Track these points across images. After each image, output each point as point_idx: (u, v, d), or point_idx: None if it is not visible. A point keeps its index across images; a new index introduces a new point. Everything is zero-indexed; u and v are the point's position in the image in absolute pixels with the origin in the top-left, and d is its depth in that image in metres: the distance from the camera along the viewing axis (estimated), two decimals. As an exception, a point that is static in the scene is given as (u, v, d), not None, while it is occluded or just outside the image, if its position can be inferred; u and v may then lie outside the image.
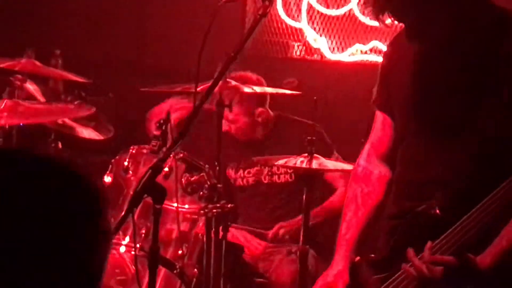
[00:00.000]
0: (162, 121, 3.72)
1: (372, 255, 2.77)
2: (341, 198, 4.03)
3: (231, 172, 4.54)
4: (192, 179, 3.71)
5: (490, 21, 2.48)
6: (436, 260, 2.36)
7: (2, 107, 3.91)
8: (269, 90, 4.27)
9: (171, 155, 3.35)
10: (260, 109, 4.42)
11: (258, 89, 4.16)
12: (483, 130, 2.48)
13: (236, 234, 4.36)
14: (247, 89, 4.04)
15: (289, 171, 4.43)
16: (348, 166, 3.69)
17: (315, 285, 2.81)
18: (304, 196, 3.79)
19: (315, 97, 4.12)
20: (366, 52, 5.43)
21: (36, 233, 1.29)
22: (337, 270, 2.74)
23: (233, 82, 3.95)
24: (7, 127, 4.28)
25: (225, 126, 4.33)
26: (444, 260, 2.36)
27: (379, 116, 2.76)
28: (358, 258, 2.73)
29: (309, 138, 3.84)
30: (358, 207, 2.77)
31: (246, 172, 4.54)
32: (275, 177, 4.50)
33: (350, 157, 3.69)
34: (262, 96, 4.43)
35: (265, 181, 4.53)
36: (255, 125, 4.44)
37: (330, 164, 3.93)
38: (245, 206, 4.55)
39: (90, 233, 1.34)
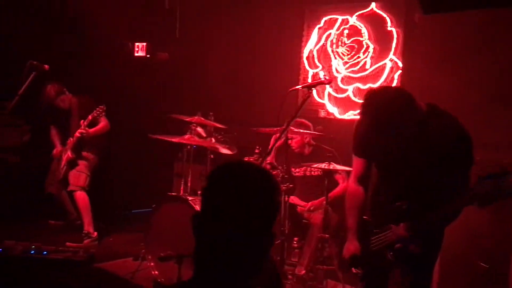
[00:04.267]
0: (259, 148, 4.76)
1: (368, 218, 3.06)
2: (340, 189, 5.00)
3: (293, 169, 5.22)
4: (273, 173, 4.44)
5: (417, 119, 2.69)
6: (407, 230, 2.74)
7: (186, 138, 4.94)
8: (310, 131, 5.09)
9: (264, 161, 4.15)
10: (307, 139, 5.22)
11: (306, 131, 4.95)
12: (426, 177, 2.75)
13: (296, 199, 5.21)
14: (301, 130, 4.85)
15: (318, 170, 5.12)
16: (348, 168, 4.21)
17: (346, 251, 3.04)
18: (326, 183, 4.72)
19: (331, 135, 5.41)
20: (356, 115, 5.67)
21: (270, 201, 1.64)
22: (352, 244, 3.02)
23: (295, 129, 4.69)
24: (188, 147, 5.28)
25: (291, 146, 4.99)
26: (408, 233, 2.75)
27: (356, 157, 3.10)
28: (364, 217, 3.05)
29: (329, 154, 4.85)
30: (353, 208, 3.07)
31: (298, 169, 5.25)
32: (312, 172, 5.23)
33: (347, 163, 4.24)
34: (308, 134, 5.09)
35: (308, 174, 5.24)
36: (304, 146, 5.19)
37: (339, 167, 4.70)
38: (298, 186, 5.28)
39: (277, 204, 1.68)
